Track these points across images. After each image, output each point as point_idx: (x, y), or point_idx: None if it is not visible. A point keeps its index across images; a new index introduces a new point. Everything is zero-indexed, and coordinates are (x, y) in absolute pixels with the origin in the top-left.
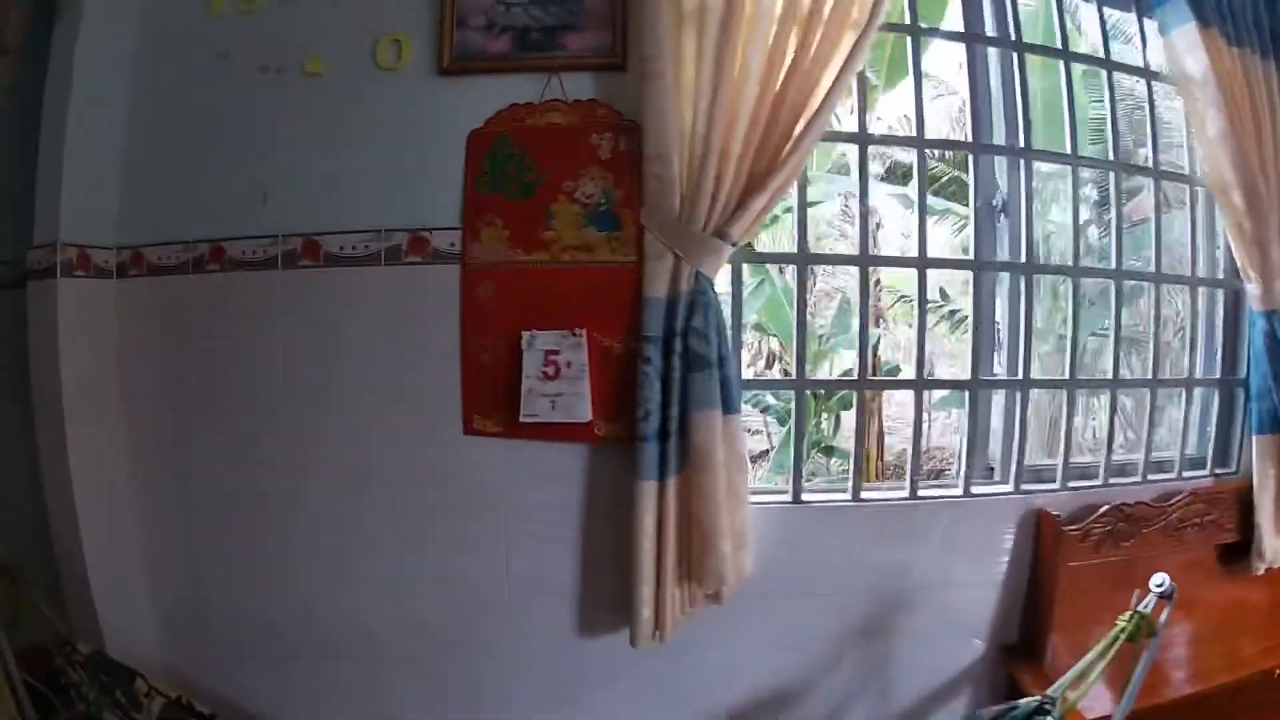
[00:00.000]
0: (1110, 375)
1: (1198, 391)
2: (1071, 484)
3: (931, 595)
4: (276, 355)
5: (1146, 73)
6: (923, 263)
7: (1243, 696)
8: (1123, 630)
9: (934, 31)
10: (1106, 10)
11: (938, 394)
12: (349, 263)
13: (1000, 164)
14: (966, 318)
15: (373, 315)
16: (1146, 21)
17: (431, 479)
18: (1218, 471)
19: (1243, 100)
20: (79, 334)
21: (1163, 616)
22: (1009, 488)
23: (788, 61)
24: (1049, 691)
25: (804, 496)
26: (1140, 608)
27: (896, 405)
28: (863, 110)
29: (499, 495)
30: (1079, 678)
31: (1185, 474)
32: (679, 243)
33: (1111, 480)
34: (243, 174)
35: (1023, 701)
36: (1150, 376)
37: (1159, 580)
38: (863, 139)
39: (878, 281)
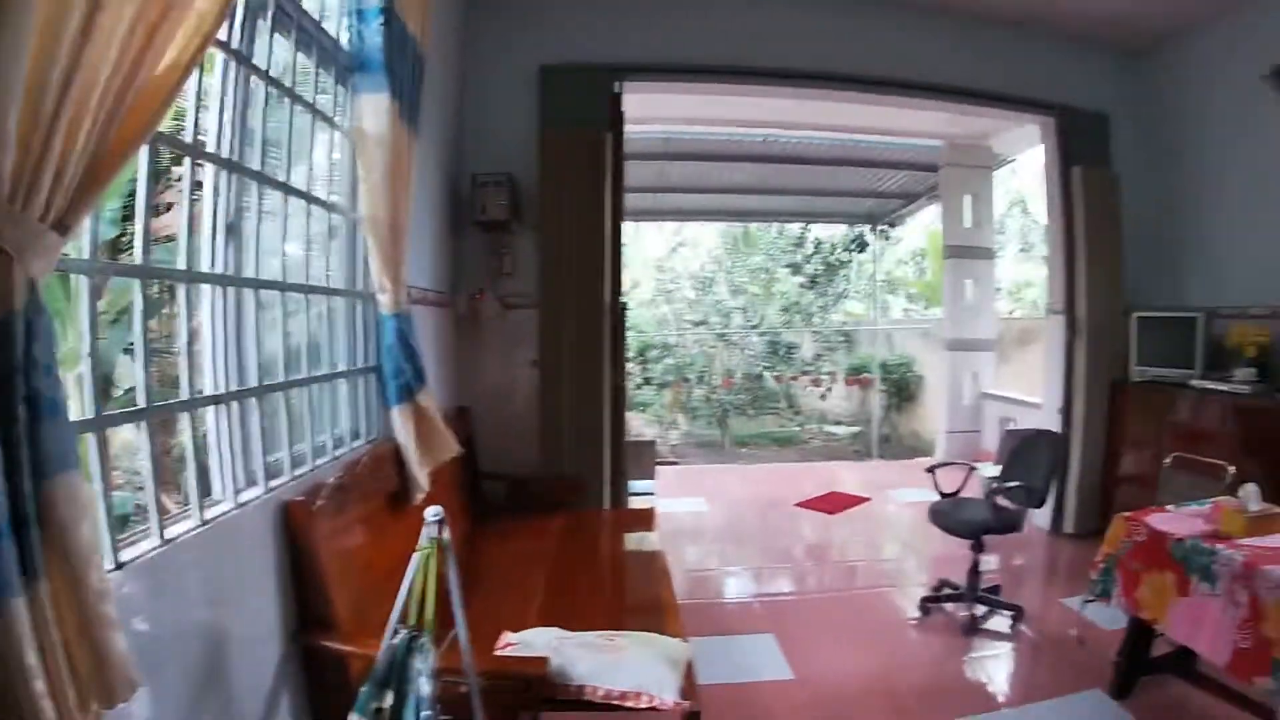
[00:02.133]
0: (301, 376)
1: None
2: (295, 473)
3: (231, 617)
4: None
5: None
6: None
7: None
8: (427, 556)
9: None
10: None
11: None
12: None
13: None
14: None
15: None
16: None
17: None
18: (371, 439)
19: (399, 158)
20: None
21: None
22: (261, 490)
23: (152, 17)
24: (402, 625)
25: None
26: (433, 535)
27: None
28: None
29: None
30: (419, 603)
31: (353, 445)
32: (9, 235)
33: (317, 462)
34: None
35: (395, 642)
36: (325, 372)
37: (434, 512)
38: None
39: None
